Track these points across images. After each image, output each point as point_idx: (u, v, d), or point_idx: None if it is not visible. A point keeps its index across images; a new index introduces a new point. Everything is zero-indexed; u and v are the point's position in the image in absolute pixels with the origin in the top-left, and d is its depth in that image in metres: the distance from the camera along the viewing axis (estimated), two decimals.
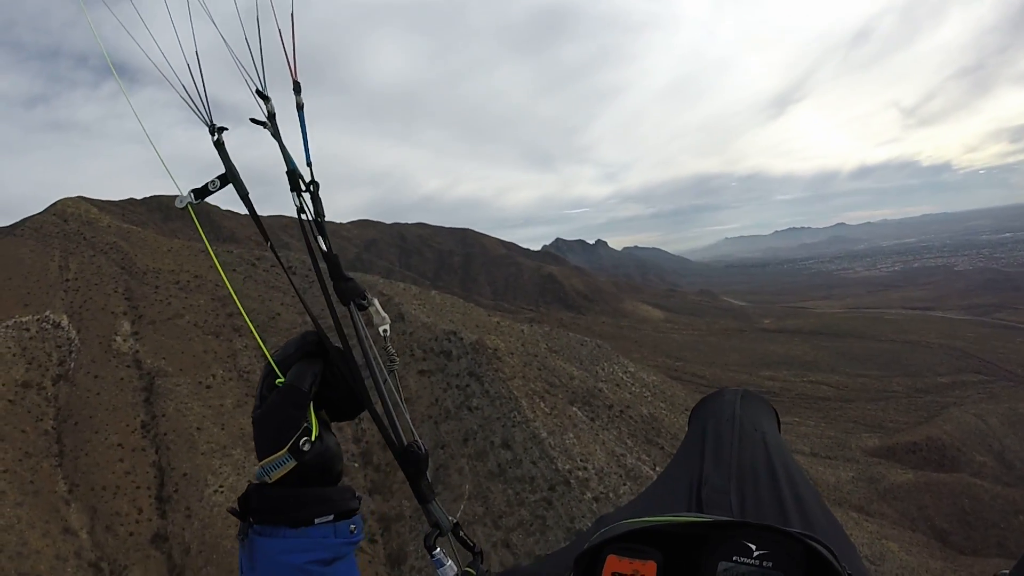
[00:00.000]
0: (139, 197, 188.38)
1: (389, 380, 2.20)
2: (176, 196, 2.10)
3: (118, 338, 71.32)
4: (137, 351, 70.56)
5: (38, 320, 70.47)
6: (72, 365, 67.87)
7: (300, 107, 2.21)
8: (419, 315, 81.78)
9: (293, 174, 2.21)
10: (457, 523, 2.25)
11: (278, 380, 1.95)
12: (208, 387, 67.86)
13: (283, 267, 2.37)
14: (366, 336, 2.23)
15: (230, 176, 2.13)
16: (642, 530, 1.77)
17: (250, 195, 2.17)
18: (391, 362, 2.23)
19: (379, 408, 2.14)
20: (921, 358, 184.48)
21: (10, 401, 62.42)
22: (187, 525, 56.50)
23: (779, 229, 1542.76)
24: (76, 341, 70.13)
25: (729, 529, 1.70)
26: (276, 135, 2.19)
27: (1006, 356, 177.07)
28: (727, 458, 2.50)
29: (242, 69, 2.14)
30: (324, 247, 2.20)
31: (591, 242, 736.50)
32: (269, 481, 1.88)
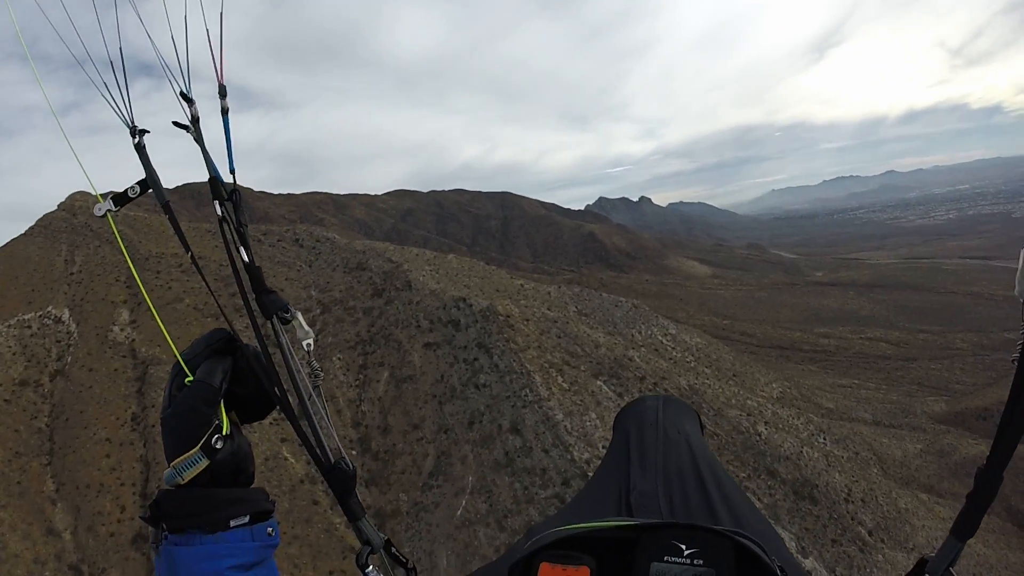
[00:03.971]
0: (171, 186, 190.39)
1: (314, 395, 2.09)
2: (96, 203, 2.10)
3: (115, 328, 70.71)
4: (133, 340, 69.70)
5: (40, 316, 71.23)
6: (69, 360, 67.82)
7: (225, 112, 2.11)
8: (428, 282, 76.51)
9: (215, 182, 2.13)
10: (389, 540, 2.17)
11: (187, 379, 1.89)
12: None
13: (201, 275, 2.16)
14: (290, 351, 2.11)
15: (150, 182, 2.12)
16: (574, 537, 1.82)
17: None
18: (315, 377, 2.12)
19: (305, 425, 2.06)
20: (985, 311, 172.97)
21: (6, 400, 63.00)
22: None
23: (827, 179, 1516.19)
24: (75, 334, 70.16)
25: (658, 530, 1.77)
26: (199, 140, 2.12)
27: None
28: (653, 463, 2.50)
29: (166, 69, 2.05)
30: (246, 258, 2.10)
31: (635, 199, 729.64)
32: (182, 482, 1.80)
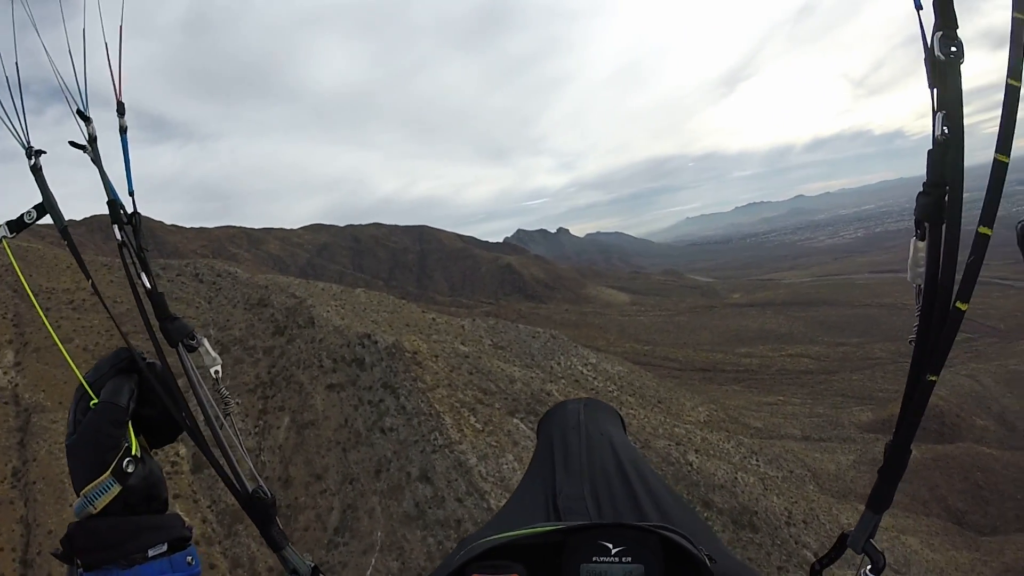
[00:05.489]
0: (78, 218, 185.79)
1: (226, 424, 2.07)
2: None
3: None
4: (16, 384, 63.36)
5: None
6: None
7: (123, 131, 2.08)
8: (332, 318, 72.12)
9: (114, 204, 2.06)
10: (316, 566, 2.11)
11: (92, 403, 1.81)
12: None
13: (100, 298, 2.13)
14: (197, 379, 2.05)
15: (47, 205, 2.07)
16: (502, 546, 1.82)
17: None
18: (226, 404, 2.08)
19: (218, 454, 2.05)
20: (899, 321, 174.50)
21: None
22: None
23: (739, 205, 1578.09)
24: None
25: (585, 532, 1.79)
26: (96, 160, 2.07)
27: (985, 311, 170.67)
28: (577, 465, 2.51)
29: (64, 88, 2.03)
30: (148, 284, 2.04)
31: (553, 231, 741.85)
32: (94, 511, 1.72)
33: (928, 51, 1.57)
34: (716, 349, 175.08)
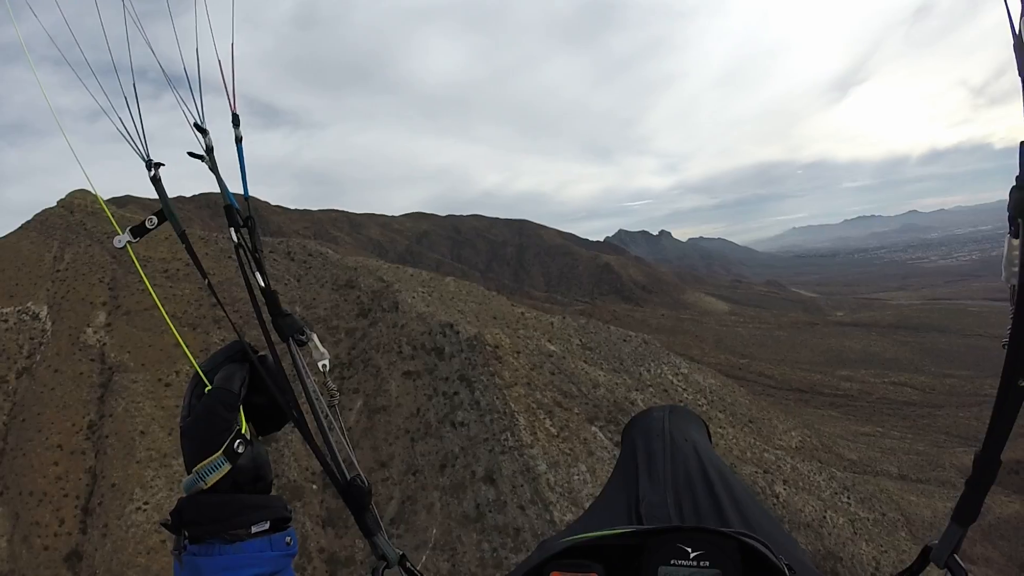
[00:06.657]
0: (188, 195, 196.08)
1: (330, 414, 2.14)
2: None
3: (89, 330, 69.63)
4: (104, 344, 68.33)
5: (18, 311, 70.48)
6: (38, 358, 66.26)
7: (239, 141, 2.21)
8: (417, 304, 71.77)
9: (230, 209, 2.19)
10: (404, 555, 2.16)
11: (206, 389, 1.94)
12: (168, 385, 63.95)
13: (215, 297, 2.27)
14: (305, 371, 2.16)
15: (166, 213, 2.17)
16: (582, 546, 1.88)
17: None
18: (331, 396, 2.15)
19: (320, 442, 2.11)
20: None
21: None
22: (100, 545, 51.99)
23: (848, 218, 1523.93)
24: (49, 333, 69.22)
25: (664, 535, 1.84)
26: (214, 169, 2.20)
27: None
28: (661, 472, 2.52)
29: (180, 101, 2.15)
30: (262, 283, 2.15)
31: (655, 233, 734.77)
32: (204, 487, 1.85)
33: (1016, 38, 1.49)
34: (815, 369, 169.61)
